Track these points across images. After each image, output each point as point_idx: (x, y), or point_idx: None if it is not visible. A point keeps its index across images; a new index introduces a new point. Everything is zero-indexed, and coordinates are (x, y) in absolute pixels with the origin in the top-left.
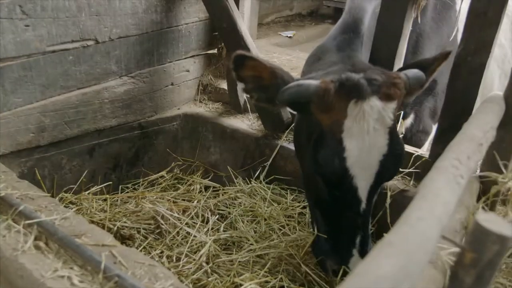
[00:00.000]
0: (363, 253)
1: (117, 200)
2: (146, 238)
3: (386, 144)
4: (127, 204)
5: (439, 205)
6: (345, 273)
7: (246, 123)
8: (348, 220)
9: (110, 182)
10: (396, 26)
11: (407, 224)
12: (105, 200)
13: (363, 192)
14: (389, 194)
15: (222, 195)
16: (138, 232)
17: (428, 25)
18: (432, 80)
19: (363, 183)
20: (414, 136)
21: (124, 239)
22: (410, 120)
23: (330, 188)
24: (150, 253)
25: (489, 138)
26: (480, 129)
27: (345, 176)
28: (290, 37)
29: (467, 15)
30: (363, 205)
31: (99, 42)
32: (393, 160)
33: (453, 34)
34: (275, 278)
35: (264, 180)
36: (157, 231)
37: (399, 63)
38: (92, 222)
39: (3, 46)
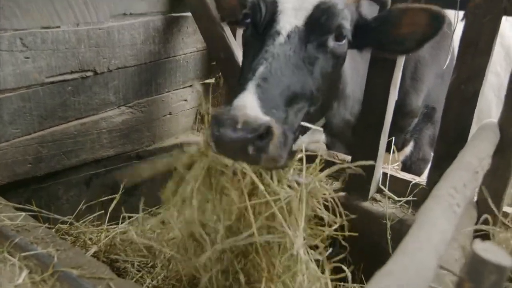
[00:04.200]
0: (264, 94)
1: (114, 231)
2: (140, 271)
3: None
4: (124, 236)
5: (436, 234)
6: None
7: None
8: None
9: (108, 213)
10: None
11: (405, 254)
12: (102, 231)
13: (284, 27)
14: (388, 224)
15: None
16: (132, 265)
17: (428, 52)
18: (431, 108)
19: (288, 19)
20: (414, 164)
21: (119, 271)
22: (410, 148)
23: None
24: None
25: (485, 165)
26: (475, 156)
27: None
28: None
29: (459, 45)
30: (281, 39)
31: (98, 73)
32: (325, 12)
33: (447, 62)
34: None
35: None
36: (150, 264)
37: (394, 90)
38: (88, 252)
39: (3, 78)
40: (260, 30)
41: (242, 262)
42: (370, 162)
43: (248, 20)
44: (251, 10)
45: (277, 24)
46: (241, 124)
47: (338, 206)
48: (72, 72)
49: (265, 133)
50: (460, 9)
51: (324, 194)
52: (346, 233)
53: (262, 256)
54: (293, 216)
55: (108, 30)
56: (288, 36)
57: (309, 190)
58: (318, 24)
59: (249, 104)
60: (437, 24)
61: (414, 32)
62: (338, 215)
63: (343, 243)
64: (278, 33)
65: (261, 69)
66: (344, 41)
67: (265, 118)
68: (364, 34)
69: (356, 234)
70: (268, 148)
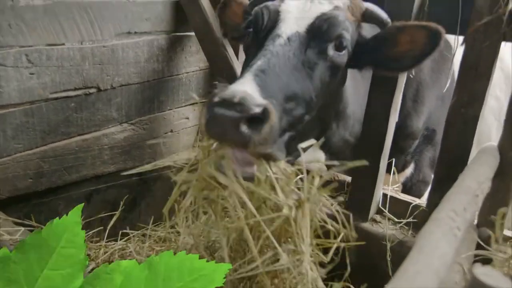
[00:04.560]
0: (262, 82)
1: (113, 248)
2: None
3: (323, 11)
4: (123, 252)
5: (436, 258)
6: None
7: None
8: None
9: (107, 229)
10: (391, 78)
11: (405, 277)
12: (100, 247)
13: (285, 31)
14: (388, 246)
15: None
16: None
17: (429, 75)
18: (431, 130)
19: (289, 26)
20: (414, 186)
21: None
22: (410, 170)
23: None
24: None
25: (485, 189)
26: (475, 180)
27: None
28: None
29: (459, 68)
30: (281, 41)
31: (101, 90)
32: (327, 22)
33: (447, 85)
34: None
35: None
36: None
37: (395, 112)
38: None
39: (7, 93)
40: (261, 36)
41: (248, 284)
42: (364, 162)
43: (250, 29)
44: (254, 18)
45: (278, 29)
46: (239, 99)
47: (339, 213)
48: (75, 89)
49: (262, 114)
50: (460, 34)
51: (326, 204)
52: (352, 243)
53: (268, 278)
54: (299, 231)
55: (113, 48)
56: (289, 39)
57: (311, 202)
58: (319, 32)
59: (248, 87)
60: (434, 40)
61: (412, 49)
62: (341, 225)
63: (347, 254)
64: (279, 36)
65: (259, 63)
66: (344, 52)
67: (263, 100)
68: (363, 53)
69: (363, 243)
70: (262, 129)
